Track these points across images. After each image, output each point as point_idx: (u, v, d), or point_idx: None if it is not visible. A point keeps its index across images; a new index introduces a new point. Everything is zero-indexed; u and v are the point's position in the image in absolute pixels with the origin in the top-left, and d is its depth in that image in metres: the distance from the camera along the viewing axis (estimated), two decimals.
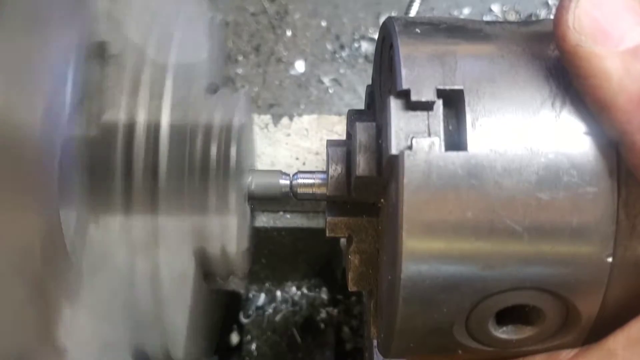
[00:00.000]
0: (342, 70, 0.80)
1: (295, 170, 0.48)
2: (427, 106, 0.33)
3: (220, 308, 0.65)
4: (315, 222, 0.63)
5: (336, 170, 0.43)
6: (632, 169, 0.32)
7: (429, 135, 0.33)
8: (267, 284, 0.74)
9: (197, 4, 0.52)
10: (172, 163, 0.41)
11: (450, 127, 0.34)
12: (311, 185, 0.46)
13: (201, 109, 0.47)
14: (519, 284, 0.34)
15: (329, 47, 0.81)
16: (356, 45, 0.81)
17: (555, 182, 0.32)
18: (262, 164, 0.62)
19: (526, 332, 0.36)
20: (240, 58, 0.80)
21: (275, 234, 0.64)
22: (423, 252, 0.33)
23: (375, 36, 0.77)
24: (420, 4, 0.65)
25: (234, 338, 0.73)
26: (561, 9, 0.33)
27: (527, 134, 0.33)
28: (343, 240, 0.46)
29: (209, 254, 0.47)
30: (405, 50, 0.35)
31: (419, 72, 0.34)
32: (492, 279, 0.33)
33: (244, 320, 0.72)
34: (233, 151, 0.45)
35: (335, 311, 0.73)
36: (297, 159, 0.62)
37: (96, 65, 0.42)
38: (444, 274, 0.33)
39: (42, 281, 0.36)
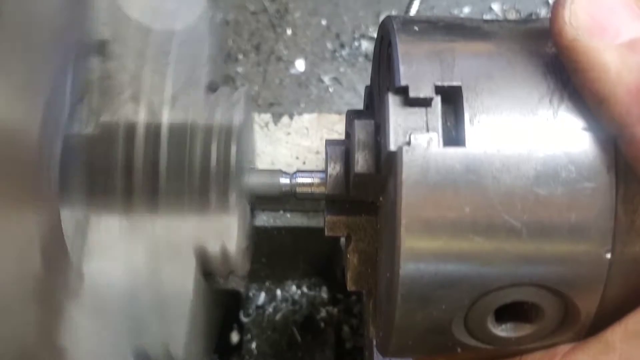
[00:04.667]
0: (342, 69, 0.80)
1: (295, 169, 0.48)
2: (425, 102, 0.33)
3: (221, 307, 0.65)
4: (316, 221, 0.63)
5: (335, 168, 0.43)
6: (631, 162, 0.32)
7: (427, 131, 0.33)
8: (267, 283, 0.74)
9: (197, 2, 0.52)
10: (172, 162, 0.41)
11: (449, 124, 0.34)
12: (310, 185, 0.46)
13: (201, 108, 0.47)
14: (517, 280, 0.34)
15: (329, 45, 0.81)
16: (356, 44, 0.81)
17: (553, 178, 0.32)
18: (262, 163, 0.62)
19: (525, 329, 0.36)
20: (240, 57, 0.80)
21: (276, 233, 0.64)
22: (421, 248, 0.33)
23: (375, 35, 0.77)
24: (421, 3, 0.65)
25: (234, 337, 0.73)
26: (557, 5, 0.33)
27: (525, 130, 0.33)
28: (343, 239, 0.46)
29: (209, 253, 0.47)
30: (404, 47, 0.35)
31: (418, 69, 0.34)
32: (490, 275, 0.33)
33: (244, 319, 0.73)
34: (233, 150, 0.45)
35: (335, 310, 0.73)
36: (297, 158, 0.62)
37: (96, 64, 0.42)
38: (442, 270, 0.33)
39: (43, 281, 0.36)
